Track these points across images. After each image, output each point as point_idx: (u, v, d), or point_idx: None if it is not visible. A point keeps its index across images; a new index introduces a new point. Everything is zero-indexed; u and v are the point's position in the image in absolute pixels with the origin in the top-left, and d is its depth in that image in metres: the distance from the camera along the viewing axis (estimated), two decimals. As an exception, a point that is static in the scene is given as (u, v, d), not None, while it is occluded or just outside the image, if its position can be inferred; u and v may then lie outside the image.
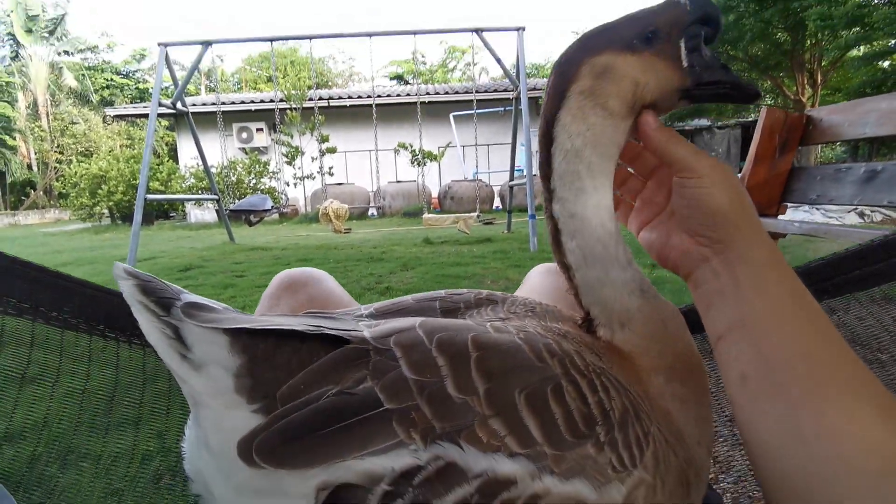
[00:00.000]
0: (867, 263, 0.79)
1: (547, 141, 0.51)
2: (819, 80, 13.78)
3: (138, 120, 19.31)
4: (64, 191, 16.20)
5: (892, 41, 12.62)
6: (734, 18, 12.13)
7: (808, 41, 13.06)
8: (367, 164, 13.35)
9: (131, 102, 25.87)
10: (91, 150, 22.88)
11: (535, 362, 0.45)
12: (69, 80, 25.92)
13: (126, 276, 0.45)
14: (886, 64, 15.01)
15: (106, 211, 15.04)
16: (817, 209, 8.03)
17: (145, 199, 6.14)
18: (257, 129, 15.59)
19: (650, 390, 0.51)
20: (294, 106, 12.68)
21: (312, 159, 12.00)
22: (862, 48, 13.60)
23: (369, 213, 14.01)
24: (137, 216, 6.01)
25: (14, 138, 25.44)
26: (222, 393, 0.44)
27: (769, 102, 18.00)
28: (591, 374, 0.46)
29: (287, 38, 7.44)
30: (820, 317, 0.47)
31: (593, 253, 0.52)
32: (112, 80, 29.47)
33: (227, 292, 4.43)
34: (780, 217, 3.01)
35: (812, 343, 0.45)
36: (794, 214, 6.91)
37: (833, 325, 0.46)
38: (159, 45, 6.75)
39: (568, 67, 0.50)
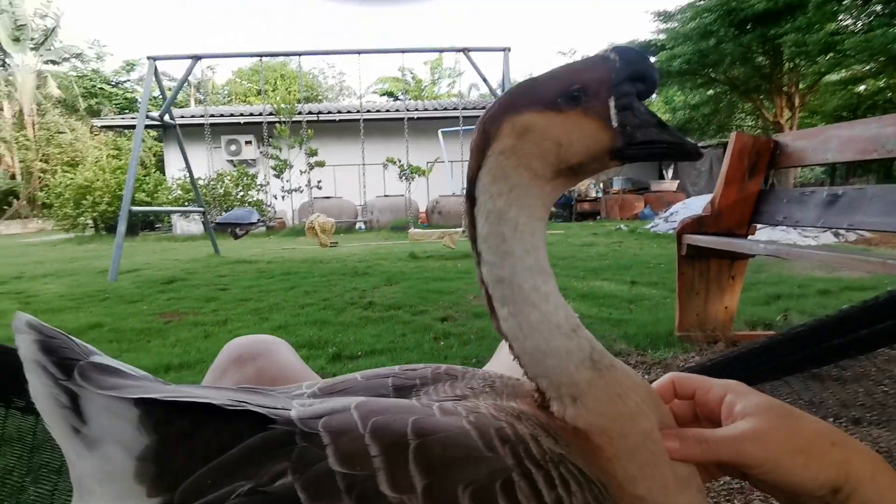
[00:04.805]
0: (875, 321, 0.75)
1: (470, 202, 0.48)
2: (797, 103, 14.19)
3: (126, 130, 19.25)
4: (48, 201, 16.06)
5: (867, 66, 13.07)
6: (714, 43, 12.51)
7: (786, 65, 13.47)
8: (355, 178, 13.44)
9: (119, 113, 25.76)
10: (77, 160, 22.69)
11: (483, 452, 0.38)
12: (53, 88, 25.80)
13: (27, 329, 0.38)
14: (862, 88, 15.52)
15: (90, 221, 14.92)
16: (794, 228, 8.21)
17: (130, 210, 6.13)
18: (246, 142, 15.63)
19: (618, 476, 0.44)
20: (283, 119, 12.77)
21: (301, 172, 12.06)
22: (838, 73, 14.04)
23: (357, 226, 14.05)
24: (121, 227, 5.99)
25: (-2, 147, 25.21)
26: (117, 479, 0.37)
27: (749, 125, 18.41)
28: (548, 464, 0.40)
29: (275, 55, 7.53)
30: None
31: (529, 321, 0.46)
32: (102, 89, 29.37)
33: (209, 305, 4.44)
34: (750, 237, 3.13)
35: None
36: (772, 234, 7.07)
37: None
38: (149, 58, 6.80)
39: (489, 126, 0.48)
